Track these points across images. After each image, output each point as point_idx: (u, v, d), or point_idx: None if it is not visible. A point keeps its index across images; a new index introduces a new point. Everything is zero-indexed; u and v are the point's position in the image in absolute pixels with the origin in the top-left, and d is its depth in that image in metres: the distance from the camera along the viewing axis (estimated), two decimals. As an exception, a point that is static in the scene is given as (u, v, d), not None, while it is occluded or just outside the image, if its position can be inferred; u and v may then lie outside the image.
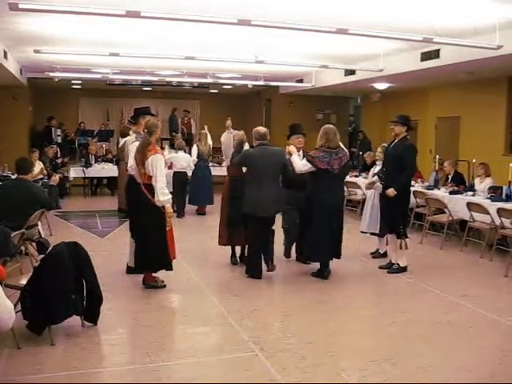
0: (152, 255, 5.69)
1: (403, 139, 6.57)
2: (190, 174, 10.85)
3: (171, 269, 5.76)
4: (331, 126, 6.52)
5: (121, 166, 9.78)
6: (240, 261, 6.98)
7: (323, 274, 6.38)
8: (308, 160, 6.22)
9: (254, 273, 6.27)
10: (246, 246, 6.66)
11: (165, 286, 5.89)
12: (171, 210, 5.72)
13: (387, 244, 7.06)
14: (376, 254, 7.47)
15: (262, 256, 6.30)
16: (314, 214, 6.23)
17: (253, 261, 6.32)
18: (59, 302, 4.32)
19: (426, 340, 4.65)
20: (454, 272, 6.96)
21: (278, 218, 6.64)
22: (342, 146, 6.43)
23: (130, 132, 7.08)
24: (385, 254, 7.30)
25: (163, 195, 5.53)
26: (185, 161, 10.63)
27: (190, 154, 10.99)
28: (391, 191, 6.39)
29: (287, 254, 7.07)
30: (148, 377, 3.87)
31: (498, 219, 7.21)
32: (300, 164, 6.32)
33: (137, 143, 5.90)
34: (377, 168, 7.50)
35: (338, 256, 6.42)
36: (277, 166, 6.25)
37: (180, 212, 10.36)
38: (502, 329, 4.98)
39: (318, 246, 6.23)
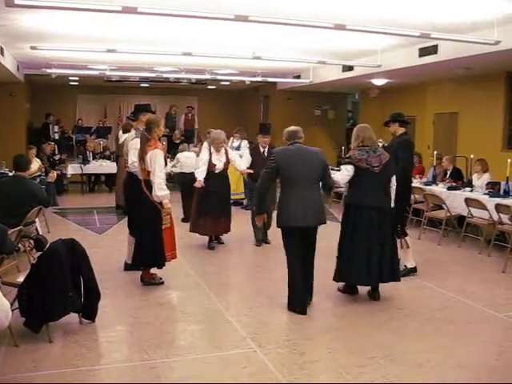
0: (146, 252, 5.69)
1: (401, 136, 6.51)
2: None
3: (161, 267, 5.79)
4: (365, 124, 5.97)
5: (120, 163, 9.75)
6: (218, 242, 7.68)
7: (374, 294, 5.57)
8: (346, 163, 5.55)
9: (296, 306, 5.16)
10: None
11: (163, 282, 5.90)
12: (169, 206, 5.68)
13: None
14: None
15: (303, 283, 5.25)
16: (354, 222, 5.44)
17: (293, 290, 5.22)
18: (57, 300, 4.32)
19: (424, 336, 4.65)
20: (452, 268, 6.97)
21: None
22: (380, 145, 5.85)
23: (132, 128, 7.08)
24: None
25: (161, 190, 5.52)
26: (191, 160, 10.25)
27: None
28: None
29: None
30: (146, 374, 3.87)
31: (496, 215, 7.22)
32: (339, 174, 5.64)
33: (136, 140, 5.91)
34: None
35: (394, 277, 5.51)
36: (316, 168, 5.20)
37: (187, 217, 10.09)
38: (500, 324, 4.99)
39: (354, 262, 5.41)
